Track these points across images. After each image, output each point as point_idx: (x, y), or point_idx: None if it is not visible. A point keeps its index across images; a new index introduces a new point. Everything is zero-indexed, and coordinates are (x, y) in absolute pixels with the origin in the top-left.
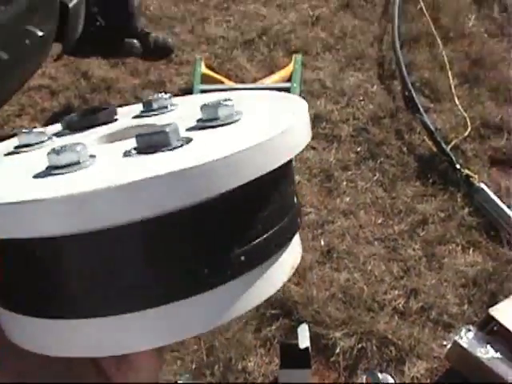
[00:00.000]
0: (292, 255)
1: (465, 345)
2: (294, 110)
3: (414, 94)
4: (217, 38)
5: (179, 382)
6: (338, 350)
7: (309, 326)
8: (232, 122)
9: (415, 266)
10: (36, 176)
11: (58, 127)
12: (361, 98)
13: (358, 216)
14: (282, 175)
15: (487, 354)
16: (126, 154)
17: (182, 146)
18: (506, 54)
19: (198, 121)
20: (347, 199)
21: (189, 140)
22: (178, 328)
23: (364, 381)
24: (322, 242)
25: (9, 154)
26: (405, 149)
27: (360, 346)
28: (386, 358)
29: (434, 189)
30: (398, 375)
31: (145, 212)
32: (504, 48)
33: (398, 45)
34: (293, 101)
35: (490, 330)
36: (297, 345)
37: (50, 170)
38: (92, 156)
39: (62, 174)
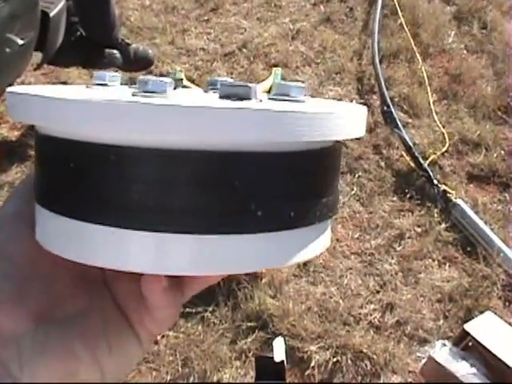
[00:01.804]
0: (330, 232)
1: (440, 360)
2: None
3: (393, 109)
4: (197, 50)
5: None
6: (313, 364)
7: (284, 339)
8: (300, 101)
9: (391, 280)
10: (125, 95)
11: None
12: None
13: (336, 230)
14: (340, 154)
15: (462, 369)
16: (210, 97)
17: (261, 101)
18: (485, 71)
19: (269, 96)
20: None
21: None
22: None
23: None
24: None
25: (88, 87)
26: (383, 164)
27: (335, 359)
28: (360, 372)
29: (411, 204)
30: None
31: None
32: (483, 65)
33: (377, 60)
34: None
35: (465, 345)
36: (272, 358)
37: (137, 94)
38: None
39: (151, 96)
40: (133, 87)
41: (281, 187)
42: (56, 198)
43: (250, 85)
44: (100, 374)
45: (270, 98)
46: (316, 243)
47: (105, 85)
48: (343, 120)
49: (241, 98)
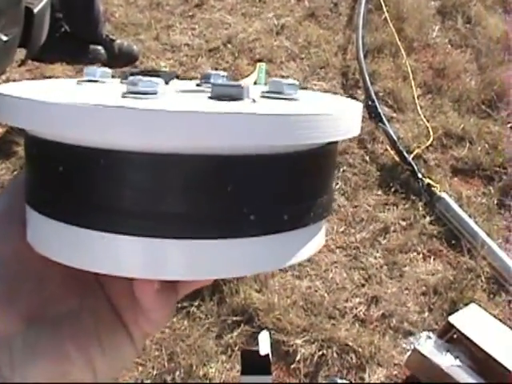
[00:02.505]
0: (324, 231)
1: (425, 352)
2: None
3: (377, 104)
4: (182, 46)
5: None
6: (298, 357)
7: (270, 333)
8: (294, 99)
9: (376, 274)
10: (115, 96)
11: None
12: None
13: None
14: (335, 153)
15: (447, 361)
16: (202, 96)
17: (254, 101)
18: (469, 65)
19: (261, 94)
20: None
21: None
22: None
23: None
24: None
25: (79, 84)
26: (367, 158)
27: (321, 353)
28: (346, 365)
29: (396, 198)
30: (358, 382)
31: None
32: (467, 59)
33: (361, 54)
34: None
35: (450, 337)
36: (257, 351)
37: (127, 95)
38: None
39: (140, 98)
40: (124, 83)
41: (274, 190)
42: (45, 200)
43: (242, 84)
44: (92, 374)
45: (262, 97)
46: (311, 244)
47: (95, 81)
48: (341, 120)
49: (233, 99)
